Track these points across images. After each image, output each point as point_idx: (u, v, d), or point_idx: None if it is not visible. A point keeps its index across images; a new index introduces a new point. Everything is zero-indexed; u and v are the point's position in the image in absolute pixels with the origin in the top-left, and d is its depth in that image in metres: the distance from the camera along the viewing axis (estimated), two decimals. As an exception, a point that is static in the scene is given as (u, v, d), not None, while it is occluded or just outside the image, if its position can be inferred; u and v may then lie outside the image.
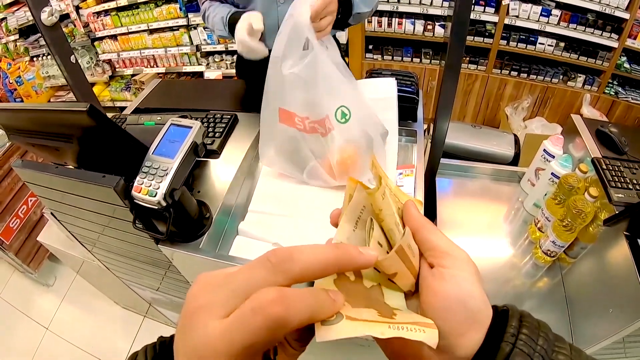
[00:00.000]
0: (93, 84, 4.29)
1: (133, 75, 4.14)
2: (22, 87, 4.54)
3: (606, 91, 3.22)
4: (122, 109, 4.30)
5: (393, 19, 3.23)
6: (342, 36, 3.32)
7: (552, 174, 1.21)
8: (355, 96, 1.10)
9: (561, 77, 3.28)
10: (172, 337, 0.37)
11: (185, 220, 1.05)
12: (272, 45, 1.07)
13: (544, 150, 1.29)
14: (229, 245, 1.16)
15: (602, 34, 2.98)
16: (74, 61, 1.49)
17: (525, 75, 3.31)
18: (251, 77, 1.75)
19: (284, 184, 1.28)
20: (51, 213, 1.30)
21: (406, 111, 1.40)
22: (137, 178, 0.94)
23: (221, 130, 1.39)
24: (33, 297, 2.74)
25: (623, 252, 1.07)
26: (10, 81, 4.58)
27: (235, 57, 1.81)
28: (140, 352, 0.38)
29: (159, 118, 1.17)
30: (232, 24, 1.40)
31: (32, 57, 4.53)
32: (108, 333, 2.45)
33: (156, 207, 0.92)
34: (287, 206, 1.22)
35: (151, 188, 0.91)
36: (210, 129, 1.40)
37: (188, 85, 2.08)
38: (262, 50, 1.29)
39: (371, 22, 3.26)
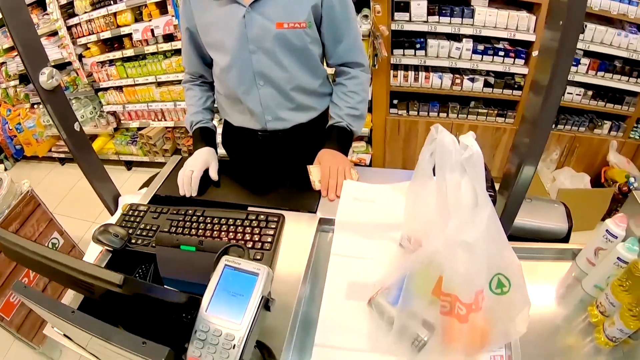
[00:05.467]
0: (96, 136, 4.13)
1: (139, 129, 3.98)
2: (22, 134, 4.40)
3: (631, 136, 3.18)
4: (128, 163, 4.19)
5: (420, 73, 3.12)
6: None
7: (618, 258, 1.11)
8: (513, 257, 0.90)
9: (587, 125, 3.23)
10: None
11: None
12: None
13: (607, 230, 1.18)
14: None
15: (628, 79, 2.95)
16: (77, 129, 1.33)
17: (554, 125, 3.21)
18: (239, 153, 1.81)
19: (351, 311, 1.07)
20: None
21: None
22: (191, 348, 0.74)
23: (270, 240, 1.18)
24: (38, 373, 2.53)
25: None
26: (10, 127, 4.43)
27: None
28: None
29: (199, 241, 0.97)
30: (198, 133, 1.61)
31: (32, 104, 4.38)
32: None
33: (224, 388, 0.73)
34: (359, 337, 1.02)
35: (214, 365, 0.71)
36: (256, 237, 1.19)
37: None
38: (188, 193, 1.44)
39: (397, 76, 3.14)
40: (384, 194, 1.33)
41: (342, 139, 1.55)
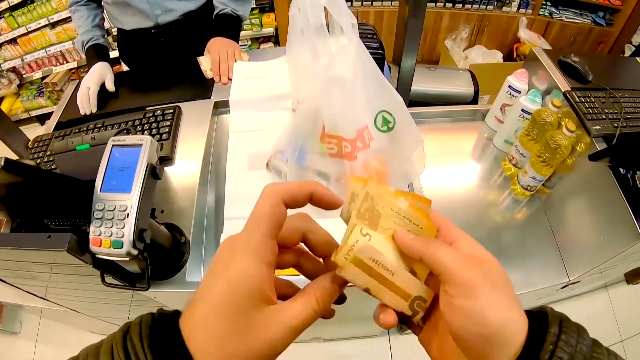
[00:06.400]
0: (1, 99, 3.86)
1: (43, 78, 3.72)
2: None
3: (541, 13, 3.27)
4: (41, 117, 3.95)
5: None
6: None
7: (522, 110, 1.20)
8: (394, 95, 0.91)
9: (496, 3, 3.28)
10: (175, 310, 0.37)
11: (160, 256, 0.88)
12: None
13: (509, 86, 1.26)
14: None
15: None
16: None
17: (461, 5, 3.28)
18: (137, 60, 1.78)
19: (254, 180, 1.11)
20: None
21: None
22: (92, 228, 0.74)
23: (167, 130, 1.20)
24: (4, 348, 2.48)
25: (602, 180, 1.13)
26: None
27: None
28: (135, 322, 0.36)
29: (92, 137, 0.96)
30: (91, 50, 1.53)
31: None
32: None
33: (127, 259, 0.75)
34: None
35: (114, 237, 0.72)
36: (154, 131, 1.20)
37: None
38: (89, 110, 1.41)
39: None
40: (275, 68, 1.35)
41: (229, 26, 1.54)
